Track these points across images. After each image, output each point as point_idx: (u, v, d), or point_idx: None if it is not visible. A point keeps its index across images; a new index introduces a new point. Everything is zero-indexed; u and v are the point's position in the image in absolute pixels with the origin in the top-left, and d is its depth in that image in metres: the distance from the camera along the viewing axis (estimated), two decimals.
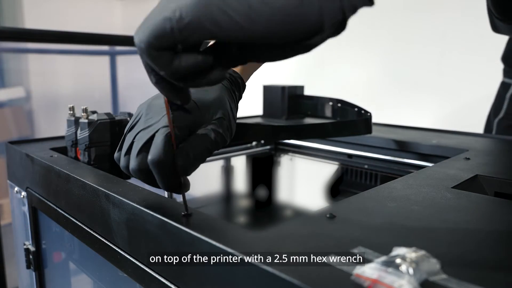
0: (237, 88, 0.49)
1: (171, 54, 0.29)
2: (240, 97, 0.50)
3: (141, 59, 0.31)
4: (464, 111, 1.46)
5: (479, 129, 1.04)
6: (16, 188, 0.69)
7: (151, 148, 0.38)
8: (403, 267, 0.24)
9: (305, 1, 0.26)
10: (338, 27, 0.29)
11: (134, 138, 0.40)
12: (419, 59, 1.55)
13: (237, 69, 0.51)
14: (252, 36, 0.27)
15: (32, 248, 0.66)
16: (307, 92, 1.01)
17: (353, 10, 0.28)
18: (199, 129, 0.40)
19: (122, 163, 0.41)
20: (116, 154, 0.42)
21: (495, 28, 0.73)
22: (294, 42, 0.29)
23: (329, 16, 0.27)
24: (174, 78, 0.31)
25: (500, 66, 0.99)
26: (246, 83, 0.52)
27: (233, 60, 0.32)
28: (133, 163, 0.39)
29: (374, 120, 0.77)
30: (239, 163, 0.96)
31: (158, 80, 0.32)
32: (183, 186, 0.38)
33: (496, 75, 1.00)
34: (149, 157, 0.37)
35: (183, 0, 0.27)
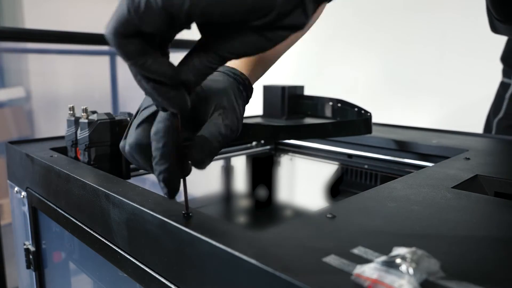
0: (244, 88, 0.49)
1: (139, 43, 0.29)
2: (249, 98, 0.49)
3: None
4: (463, 111, 1.46)
5: (478, 129, 1.04)
6: (16, 188, 0.69)
7: (155, 121, 0.37)
8: (403, 267, 0.24)
9: None
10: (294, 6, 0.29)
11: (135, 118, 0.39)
12: (419, 59, 1.55)
13: (245, 70, 0.51)
14: (205, 12, 0.27)
15: (32, 248, 0.66)
16: (307, 92, 1.01)
17: None
18: (203, 118, 0.40)
19: (121, 144, 0.40)
20: (121, 143, 0.41)
21: (494, 29, 0.73)
22: (251, 19, 0.29)
23: None
24: (147, 71, 0.30)
25: (500, 66, 0.99)
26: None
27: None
28: (132, 137, 0.38)
29: (374, 120, 0.77)
30: (239, 163, 0.96)
31: (141, 79, 0.32)
32: (184, 171, 0.37)
33: (495, 75, 1.00)
34: (153, 128, 0.36)
35: None
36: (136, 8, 0.27)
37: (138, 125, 0.39)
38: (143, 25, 0.28)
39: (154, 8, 0.27)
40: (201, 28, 0.32)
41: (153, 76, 0.31)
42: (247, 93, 0.49)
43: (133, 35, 0.29)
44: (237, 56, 0.32)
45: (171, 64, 0.31)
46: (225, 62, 0.32)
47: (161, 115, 0.37)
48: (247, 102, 0.49)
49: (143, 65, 0.30)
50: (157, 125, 0.37)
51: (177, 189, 0.37)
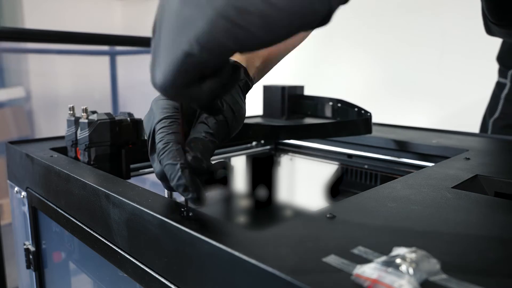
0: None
1: (198, 85, 0.29)
2: (248, 86, 0.48)
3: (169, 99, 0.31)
4: (460, 112, 1.46)
5: (475, 129, 1.04)
6: (16, 188, 0.69)
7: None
8: (403, 267, 0.24)
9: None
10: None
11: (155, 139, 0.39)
12: (419, 59, 1.55)
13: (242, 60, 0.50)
14: (271, 43, 0.27)
15: (32, 248, 0.66)
16: (307, 92, 1.01)
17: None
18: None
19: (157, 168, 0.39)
20: (150, 157, 0.41)
21: (489, 31, 0.73)
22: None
23: (335, 2, 0.26)
24: (205, 104, 0.31)
25: (497, 66, 0.99)
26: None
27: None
28: (157, 168, 0.38)
29: (373, 120, 0.77)
30: (239, 163, 0.96)
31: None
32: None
33: (493, 75, 1.00)
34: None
35: (195, 29, 0.26)
36: (204, 58, 0.26)
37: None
38: (209, 70, 0.28)
39: (228, 54, 0.27)
40: None
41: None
42: (248, 82, 0.48)
43: (194, 81, 0.28)
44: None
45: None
46: None
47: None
48: (247, 87, 0.48)
49: (204, 102, 0.31)
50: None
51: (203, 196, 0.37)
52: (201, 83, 0.29)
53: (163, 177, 0.38)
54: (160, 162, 0.37)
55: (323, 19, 0.28)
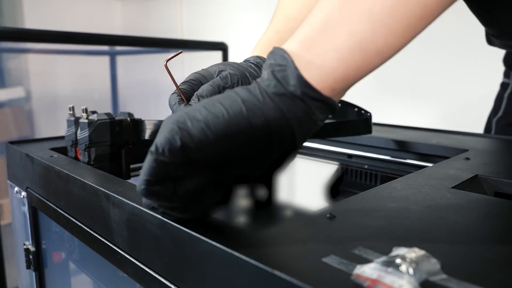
0: (257, 68, 0.51)
1: (172, 185, 0.32)
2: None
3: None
4: (461, 112, 1.46)
5: (476, 129, 1.04)
6: (16, 188, 0.69)
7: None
8: (403, 267, 0.24)
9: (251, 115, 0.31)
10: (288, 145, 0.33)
11: None
12: (419, 59, 1.55)
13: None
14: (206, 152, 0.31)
15: (32, 248, 0.66)
16: None
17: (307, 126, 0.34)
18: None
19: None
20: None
21: (489, 41, 0.74)
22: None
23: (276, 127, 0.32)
24: (180, 206, 0.33)
25: (500, 67, 0.99)
26: None
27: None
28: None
29: (375, 120, 0.77)
30: None
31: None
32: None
33: (494, 75, 1.01)
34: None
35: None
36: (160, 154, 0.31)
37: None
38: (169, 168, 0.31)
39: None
40: None
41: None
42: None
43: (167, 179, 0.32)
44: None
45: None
46: None
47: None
48: None
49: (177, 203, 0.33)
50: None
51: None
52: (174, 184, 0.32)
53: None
54: None
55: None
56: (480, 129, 1.05)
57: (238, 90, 0.33)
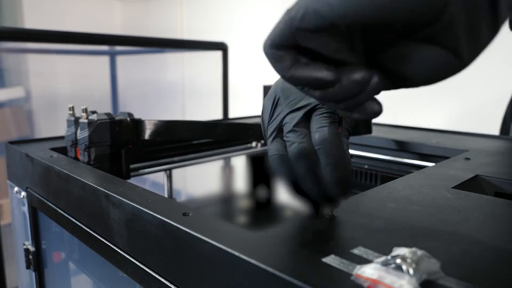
0: None
1: (294, 55, 0.28)
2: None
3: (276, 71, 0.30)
4: (472, 113, 1.46)
5: (478, 131, 1.04)
6: (16, 188, 0.69)
7: (319, 128, 0.34)
8: (403, 267, 0.24)
9: None
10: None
11: (281, 122, 0.36)
12: None
13: None
14: (365, 14, 0.25)
15: (32, 248, 0.66)
16: None
17: None
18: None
19: (272, 150, 0.36)
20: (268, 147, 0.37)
21: None
22: (413, 30, 0.26)
23: None
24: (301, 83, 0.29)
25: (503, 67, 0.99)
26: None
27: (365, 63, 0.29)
28: (295, 146, 0.34)
29: (375, 120, 0.77)
30: (239, 163, 0.96)
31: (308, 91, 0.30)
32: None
33: (502, 77, 1.00)
34: (318, 135, 0.33)
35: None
36: (297, 22, 0.27)
37: (273, 139, 0.36)
38: (303, 38, 0.27)
39: (320, 22, 0.26)
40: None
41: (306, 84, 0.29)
42: None
43: (289, 47, 0.28)
44: (416, 84, 0.29)
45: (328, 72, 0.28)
46: (399, 87, 0.30)
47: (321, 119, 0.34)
48: None
49: (291, 77, 0.29)
50: (324, 130, 0.34)
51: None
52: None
53: (300, 153, 0.34)
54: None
55: (435, 17, 0.25)
56: (480, 130, 1.04)
57: None
